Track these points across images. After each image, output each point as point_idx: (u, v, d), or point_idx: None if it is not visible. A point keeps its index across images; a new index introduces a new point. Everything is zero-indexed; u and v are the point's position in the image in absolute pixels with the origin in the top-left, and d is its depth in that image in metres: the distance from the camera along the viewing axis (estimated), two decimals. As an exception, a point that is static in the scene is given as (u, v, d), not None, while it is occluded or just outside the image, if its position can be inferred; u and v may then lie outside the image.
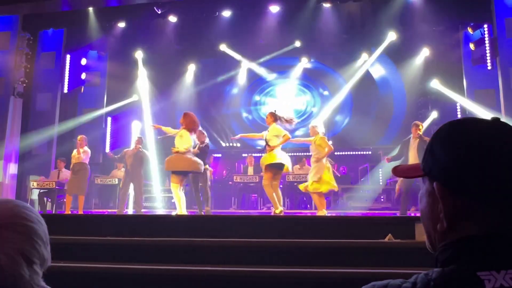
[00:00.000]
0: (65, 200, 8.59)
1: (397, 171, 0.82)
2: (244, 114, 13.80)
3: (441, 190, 0.71)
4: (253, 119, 13.65)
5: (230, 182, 10.68)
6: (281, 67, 13.29)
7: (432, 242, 0.76)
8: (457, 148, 0.70)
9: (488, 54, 9.73)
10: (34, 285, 0.94)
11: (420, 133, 7.03)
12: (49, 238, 1.01)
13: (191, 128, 6.61)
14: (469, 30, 10.16)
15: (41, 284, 0.96)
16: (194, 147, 7.08)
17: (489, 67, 9.78)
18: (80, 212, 8.02)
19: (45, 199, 9.17)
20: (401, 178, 6.34)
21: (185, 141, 6.51)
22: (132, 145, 8.59)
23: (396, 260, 3.96)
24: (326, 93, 13.20)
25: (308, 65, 12.78)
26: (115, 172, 10.61)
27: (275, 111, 6.79)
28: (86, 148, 8.30)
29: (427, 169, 0.75)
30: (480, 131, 0.71)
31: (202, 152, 7.29)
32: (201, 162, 6.71)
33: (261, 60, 13.01)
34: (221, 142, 13.45)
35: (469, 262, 0.67)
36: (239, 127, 13.49)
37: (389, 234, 4.35)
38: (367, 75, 12.60)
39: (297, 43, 11.68)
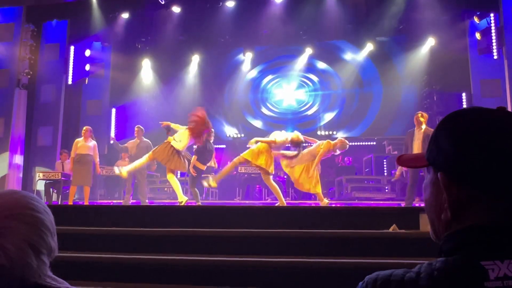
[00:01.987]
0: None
1: (401, 161, 0.82)
2: (248, 105, 13.77)
3: (446, 180, 0.70)
4: (257, 109, 13.63)
5: (235, 172, 10.70)
6: (285, 57, 13.22)
7: (436, 232, 0.76)
8: (462, 138, 0.70)
9: (494, 44, 9.65)
10: (42, 275, 0.95)
11: (423, 121, 6.92)
12: (56, 228, 1.02)
13: (195, 134, 6.56)
14: (475, 19, 10.05)
15: (48, 274, 0.97)
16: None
17: (495, 57, 9.70)
18: (86, 203, 8.08)
19: (51, 190, 9.23)
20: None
21: (182, 140, 6.63)
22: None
23: (400, 250, 3.97)
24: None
25: (312, 55, 12.69)
26: (120, 162, 10.60)
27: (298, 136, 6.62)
28: (91, 139, 8.33)
29: (432, 159, 0.74)
30: (485, 121, 0.70)
31: (208, 152, 7.30)
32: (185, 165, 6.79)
33: (265, 50, 12.94)
34: (225, 132, 13.45)
35: (473, 251, 0.67)
36: (243, 118, 13.48)
37: (394, 225, 4.35)
38: (371, 65, 12.52)
39: (301, 33, 11.60)
